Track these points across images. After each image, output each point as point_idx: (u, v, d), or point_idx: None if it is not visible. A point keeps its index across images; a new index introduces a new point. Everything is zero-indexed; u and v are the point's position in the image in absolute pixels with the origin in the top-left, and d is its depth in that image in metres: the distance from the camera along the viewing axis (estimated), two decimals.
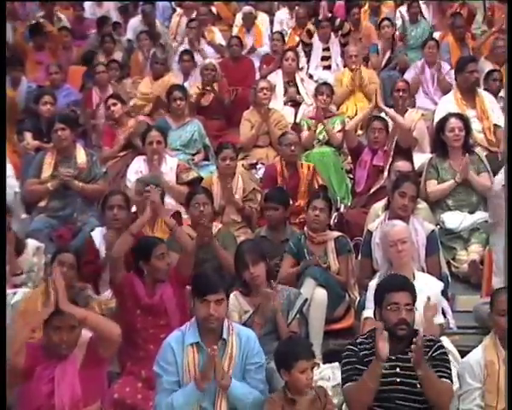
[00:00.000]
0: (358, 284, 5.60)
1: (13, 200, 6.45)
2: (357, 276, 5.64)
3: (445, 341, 4.95)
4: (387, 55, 9.82)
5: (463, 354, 4.54)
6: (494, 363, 4.07)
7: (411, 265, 5.14)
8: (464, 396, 4.15)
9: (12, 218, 5.86)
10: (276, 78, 8.78)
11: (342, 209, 6.91)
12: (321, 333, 5.28)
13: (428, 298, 4.73)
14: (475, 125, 7.14)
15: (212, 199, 5.99)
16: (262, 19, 11.02)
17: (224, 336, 4.13)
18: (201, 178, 6.93)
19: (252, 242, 5.44)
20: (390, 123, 6.83)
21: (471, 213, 6.31)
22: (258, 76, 9.38)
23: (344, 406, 4.33)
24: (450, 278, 5.64)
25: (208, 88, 8.56)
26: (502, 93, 8.18)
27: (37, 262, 5.73)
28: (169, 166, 6.91)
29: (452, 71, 8.24)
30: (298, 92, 8.72)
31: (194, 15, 10.86)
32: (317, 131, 7.61)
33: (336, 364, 4.75)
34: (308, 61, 9.82)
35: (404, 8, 10.61)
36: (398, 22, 10.40)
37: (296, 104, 8.61)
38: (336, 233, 5.78)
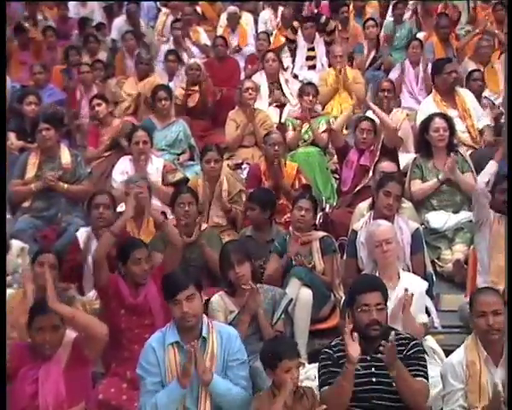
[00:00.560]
0: (343, 283, 5.58)
1: None
2: (342, 276, 5.63)
3: (430, 340, 4.99)
4: (372, 54, 9.84)
5: (448, 353, 4.52)
6: (475, 363, 4.05)
7: (396, 264, 5.14)
8: (447, 397, 4.13)
9: None
10: (261, 78, 8.76)
11: (327, 209, 6.92)
12: (306, 333, 5.28)
13: (406, 290, 4.74)
14: (458, 126, 7.15)
15: (197, 198, 5.97)
16: (246, 19, 11.00)
17: (204, 334, 4.12)
18: (187, 180, 6.92)
19: (237, 242, 5.44)
20: (378, 123, 6.85)
21: (455, 212, 6.34)
22: (243, 76, 9.38)
23: None
24: (434, 278, 5.65)
25: (195, 88, 8.54)
26: (486, 93, 8.24)
27: (21, 263, 5.70)
28: (155, 167, 6.90)
29: None
30: (283, 94, 8.72)
31: (179, 16, 10.85)
32: (303, 131, 7.61)
33: None
34: (293, 61, 9.83)
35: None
36: (385, 22, 10.42)
37: (281, 105, 8.60)
38: (321, 233, 5.77)
